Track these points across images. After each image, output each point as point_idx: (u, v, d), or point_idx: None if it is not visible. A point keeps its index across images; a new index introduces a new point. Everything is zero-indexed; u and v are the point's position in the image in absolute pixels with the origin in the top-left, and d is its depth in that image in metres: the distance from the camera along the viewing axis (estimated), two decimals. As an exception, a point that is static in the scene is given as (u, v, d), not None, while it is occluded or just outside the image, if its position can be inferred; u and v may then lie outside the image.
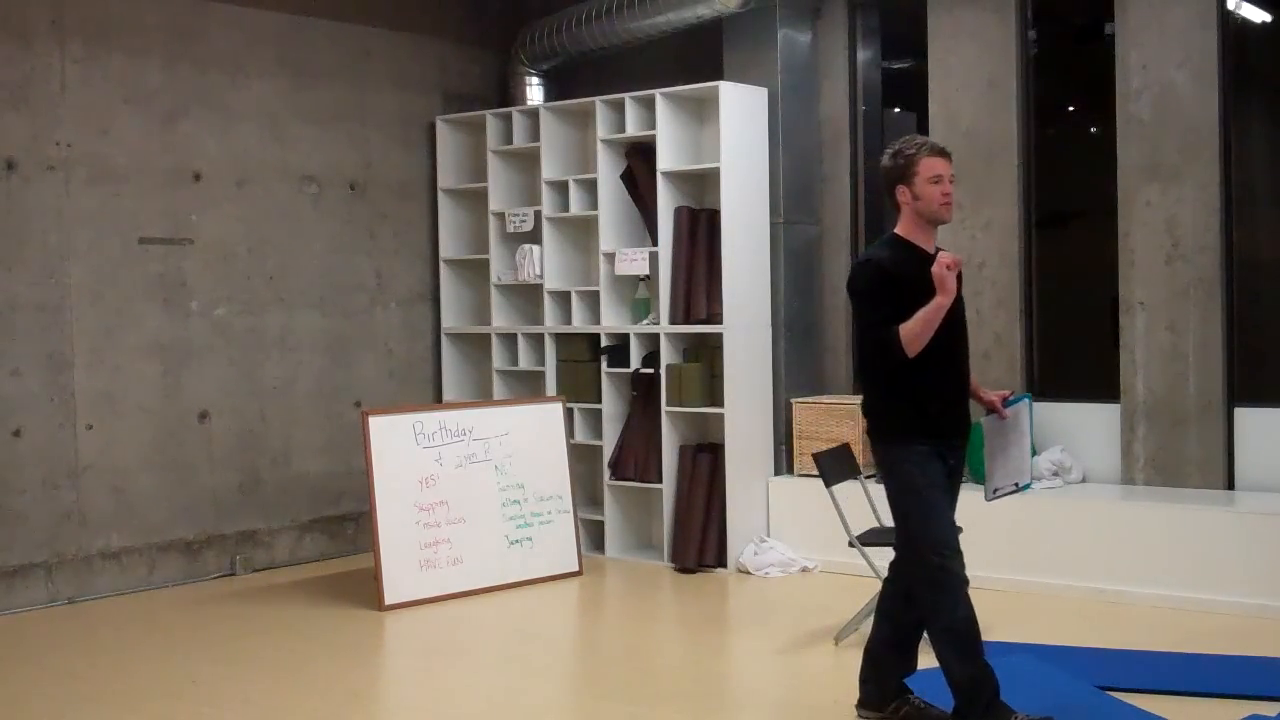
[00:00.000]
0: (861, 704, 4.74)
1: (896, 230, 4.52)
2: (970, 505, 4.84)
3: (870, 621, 5.85)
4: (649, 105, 7.53)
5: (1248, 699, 4.78)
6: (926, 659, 4.59)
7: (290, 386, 7.76)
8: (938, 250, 4.52)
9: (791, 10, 7.61)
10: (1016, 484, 4.67)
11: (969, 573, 4.38)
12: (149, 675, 5.55)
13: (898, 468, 4.41)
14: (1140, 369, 6.78)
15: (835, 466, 5.88)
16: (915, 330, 4.26)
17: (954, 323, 4.40)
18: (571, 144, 8.04)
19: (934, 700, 4.57)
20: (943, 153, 4.46)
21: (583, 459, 7.86)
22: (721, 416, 7.37)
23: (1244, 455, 6.60)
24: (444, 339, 8.49)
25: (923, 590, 4.42)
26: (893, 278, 4.34)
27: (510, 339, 8.26)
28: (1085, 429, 7.00)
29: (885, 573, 5.78)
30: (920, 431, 4.38)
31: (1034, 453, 6.52)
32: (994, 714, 4.29)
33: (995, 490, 4.62)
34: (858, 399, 7.37)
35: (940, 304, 4.26)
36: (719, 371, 7.36)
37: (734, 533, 7.34)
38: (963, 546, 4.39)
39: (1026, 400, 4.71)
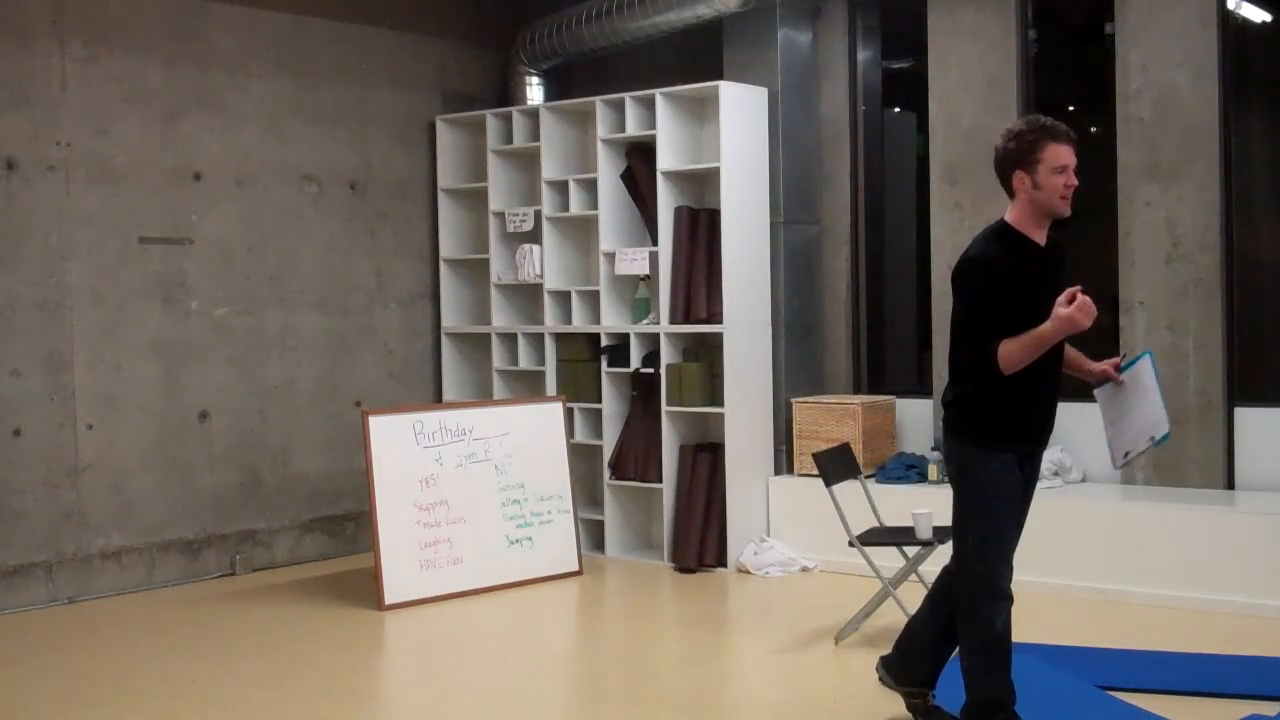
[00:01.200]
0: (884, 664, 4.67)
1: (1007, 218, 4.21)
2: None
3: (868, 616, 5.87)
4: (649, 105, 7.53)
5: (1248, 699, 4.78)
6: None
7: (290, 386, 7.76)
8: (1054, 242, 4.25)
9: (791, 10, 7.61)
10: (1152, 438, 4.31)
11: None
12: (149, 675, 5.55)
13: (973, 469, 4.20)
14: (1140, 369, 6.77)
15: (835, 466, 5.88)
16: (1015, 356, 4.02)
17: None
18: (571, 144, 8.04)
19: (942, 694, 4.55)
20: (1069, 138, 4.12)
21: (583, 459, 7.86)
22: (721, 416, 7.37)
23: (1244, 455, 6.59)
24: (444, 339, 8.49)
25: (963, 596, 4.28)
26: (1003, 281, 4.07)
27: (510, 339, 8.25)
28: (1085, 429, 6.92)
29: (887, 573, 5.81)
30: (1005, 439, 4.17)
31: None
32: None
33: (1126, 454, 4.36)
34: (857, 398, 7.41)
35: (1047, 339, 4.00)
36: (719, 371, 7.36)
37: (734, 532, 7.34)
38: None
39: (1148, 357, 4.37)
